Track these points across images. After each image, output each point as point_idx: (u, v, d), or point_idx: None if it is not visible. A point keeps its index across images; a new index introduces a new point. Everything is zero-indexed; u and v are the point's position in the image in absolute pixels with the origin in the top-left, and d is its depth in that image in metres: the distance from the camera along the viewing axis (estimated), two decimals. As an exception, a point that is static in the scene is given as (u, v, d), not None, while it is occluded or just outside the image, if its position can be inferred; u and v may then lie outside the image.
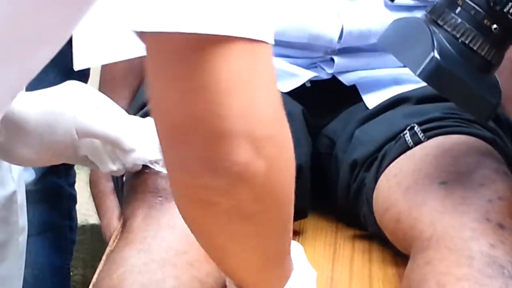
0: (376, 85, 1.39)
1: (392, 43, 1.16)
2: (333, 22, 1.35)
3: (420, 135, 1.28)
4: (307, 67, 1.40)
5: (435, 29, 1.11)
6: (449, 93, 1.14)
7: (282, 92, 1.35)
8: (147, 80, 0.77)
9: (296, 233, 1.33)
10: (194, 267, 1.09)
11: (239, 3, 0.74)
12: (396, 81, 1.37)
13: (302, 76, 1.38)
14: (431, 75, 1.09)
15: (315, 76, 1.39)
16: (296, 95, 1.36)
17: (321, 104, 1.41)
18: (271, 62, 0.77)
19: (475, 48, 1.10)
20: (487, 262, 1.08)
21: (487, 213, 1.15)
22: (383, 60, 1.39)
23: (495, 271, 1.07)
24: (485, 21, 1.09)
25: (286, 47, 1.39)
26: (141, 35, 0.74)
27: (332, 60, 1.39)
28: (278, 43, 1.36)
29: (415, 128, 1.29)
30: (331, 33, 1.36)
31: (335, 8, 1.34)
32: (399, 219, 1.22)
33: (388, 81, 1.38)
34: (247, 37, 0.72)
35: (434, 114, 1.31)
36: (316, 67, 1.40)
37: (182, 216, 0.87)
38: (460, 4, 1.10)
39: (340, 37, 1.36)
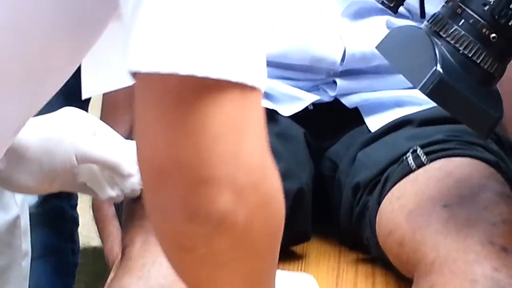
0: (379, 107, 1.40)
1: (392, 53, 1.16)
2: (336, 44, 1.37)
3: (423, 158, 1.28)
4: (310, 89, 1.40)
5: (437, 40, 1.11)
6: (451, 108, 1.14)
7: (284, 116, 1.36)
8: (135, 121, 0.76)
9: (299, 257, 1.36)
10: None
11: (234, 48, 0.73)
12: (398, 104, 1.38)
13: (304, 99, 1.39)
14: (433, 89, 1.09)
15: (318, 99, 1.40)
16: (298, 118, 1.39)
17: (323, 127, 1.41)
18: (261, 108, 0.76)
19: (478, 61, 1.10)
20: (490, 286, 1.09)
21: (491, 237, 1.15)
22: (386, 82, 1.39)
23: None
24: (484, 30, 1.10)
25: (288, 69, 1.40)
26: (134, 75, 0.73)
27: (335, 82, 1.39)
28: (280, 66, 1.37)
29: (418, 151, 1.29)
30: (334, 55, 1.37)
31: (337, 30, 1.36)
32: (402, 242, 1.22)
33: (390, 103, 1.39)
34: (241, 82, 0.71)
35: (436, 137, 1.32)
36: (318, 89, 1.41)
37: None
38: (460, 12, 1.11)
39: (343, 60, 1.37)
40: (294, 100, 1.39)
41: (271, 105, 1.39)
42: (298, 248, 1.36)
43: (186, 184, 0.72)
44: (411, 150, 1.30)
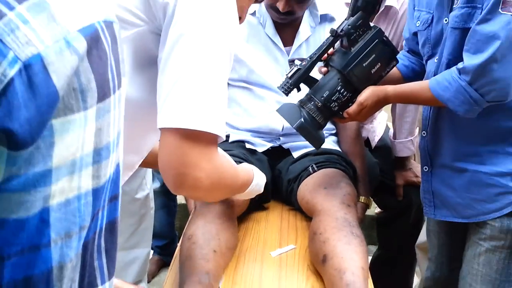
0: (297, 148, 1.35)
1: (283, 112, 1.11)
2: (279, 123, 1.32)
3: (316, 168, 1.27)
4: (269, 141, 1.36)
5: (301, 109, 1.09)
6: (305, 136, 1.11)
7: (258, 152, 1.32)
8: (159, 146, 0.71)
9: (265, 208, 1.32)
10: (224, 223, 1.08)
11: (208, 111, 0.68)
12: (305, 146, 1.32)
13: (267, 145, 1.35)
14: (299, 128, 1.08)
15: (272, 145, 1.36)
16: (265, 152, 1.35)
17: (275, 156, 1.36)
18: (216, 145, 0.71)
19: (317, 119, 1.09)
20: (343, 220, 1.07)
21: (343, 200, 1.14)
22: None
23: (346, 224, 1.06)
24: (318, 104, 1.08)
25: (261, 133, 1.36)
26: (160, 129, 0.70)
27: (279, 138, 1.36)
28: (258, 131, 1.36)
29: (314, 165, 1.28)
30: (279, 128, 1.34)
31: (281, 118, 1.28)
32: (308, 202, 1.20)
33: (302, 146, 1.34)
34: (213, 132, 0.67)
35: (321, 160, 1.30)
36: (273, 141, 1.36)
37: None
38: (310, 98, 1.09)
39: (282, 129, 1.34)
40: (263, 145, 1.35)
41: (253, 147, 1.34)
42: (264, 206, 1.32)
43: (174, 174, 0.69)
44: (311, 165, 1.28)
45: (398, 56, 1.15)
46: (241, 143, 1.35)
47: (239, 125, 1.37)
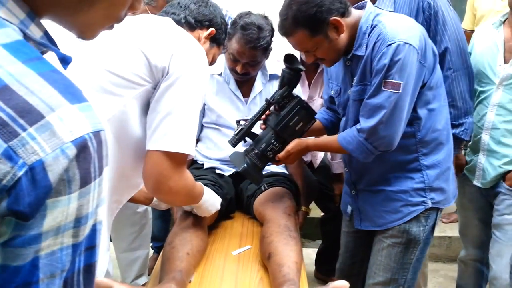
0: None
1: (233, 159, 1.12)
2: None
3: (267, 187, 1.28)
4: (233, 167, 1.34)
5: (246, 156, 1.10)
6: (248, 178, 1.12)
7: (225, 175, 1.30)
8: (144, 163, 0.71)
9: (230, 217, 1.31)
10: (196, 231, 1.07)
11: (184, 138, 0.70)
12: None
13: (231, 170, 1.35)
14: (244, 172, 1.09)
15: (235, 170, 1.33)
16: (230, 176, 1.35)
17: (238, 178, 1.33)
18: (185, 162, 0.72)
19: (257, 164, 1.10)
20: (284, 226, 1.08)
21: (284, 211, 1.15)
22: None
23: (286, 229, 1.06)
24: (256, 151, 1.09)
25: (227, 161, 1.34)
26: (147, 151, 0.70)
27: None
28: (224, 160, 1.35)
29: (265, 185, 1.28)
30: None
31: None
32: (260, 213, 1.20)
33: None
34: (185, 152, 0.69)
35: (271, 180, 1.29)
36: (235, 168, 1.30)
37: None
38: (252, 149, 1.10)
39: None
40: (229, 170, 1.34)
41: (222, 172, 1.33)
42: (231, 215, 1.31)
43: (153, 182, 0.71)
44: (263, 185, 1.27)
45: (320, 111, 1.20)
46: (212, 169, 1.35)
47: (211, 156, 1.37)
